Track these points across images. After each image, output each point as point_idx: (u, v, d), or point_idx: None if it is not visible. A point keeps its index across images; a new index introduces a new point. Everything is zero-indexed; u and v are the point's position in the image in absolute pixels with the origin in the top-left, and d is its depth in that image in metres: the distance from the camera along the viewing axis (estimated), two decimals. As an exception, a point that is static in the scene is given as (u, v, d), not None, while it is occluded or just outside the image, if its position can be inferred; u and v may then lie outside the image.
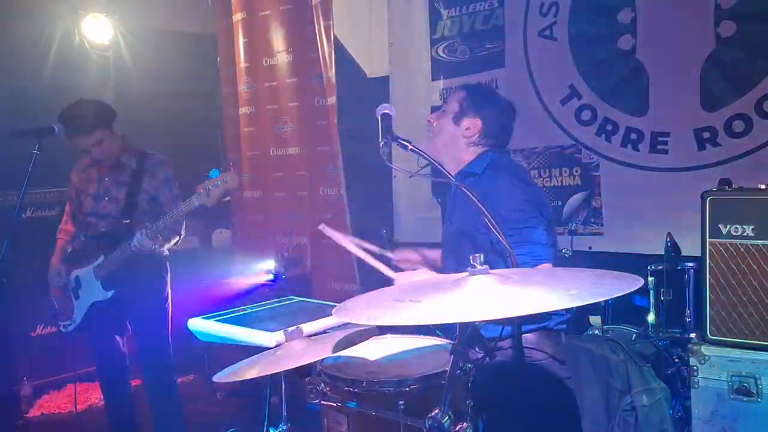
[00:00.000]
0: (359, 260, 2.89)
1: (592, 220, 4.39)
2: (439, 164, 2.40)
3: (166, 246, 3.93)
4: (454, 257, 2.82)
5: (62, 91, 5.08)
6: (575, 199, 4.45)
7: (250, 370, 2.20)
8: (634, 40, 4.12)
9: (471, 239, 2.68)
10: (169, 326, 4.02)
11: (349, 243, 2.96)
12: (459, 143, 2.81)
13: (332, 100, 5.12)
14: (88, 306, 3.86)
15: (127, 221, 3.81)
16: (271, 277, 5.02)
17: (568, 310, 2.91)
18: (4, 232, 3.37)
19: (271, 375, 2.19)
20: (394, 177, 5.36)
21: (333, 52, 5.08)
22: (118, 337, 3.98)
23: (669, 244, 3.43)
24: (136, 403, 4.14)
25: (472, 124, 2.80)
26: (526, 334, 2.63)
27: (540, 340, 2.63)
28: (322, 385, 2.20)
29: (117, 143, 3.90)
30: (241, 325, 2.84)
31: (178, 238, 3.95)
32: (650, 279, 3.36)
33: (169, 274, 4.08)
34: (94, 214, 3.93)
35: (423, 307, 1.68)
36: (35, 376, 5.17)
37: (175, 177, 4.05)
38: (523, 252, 2.46)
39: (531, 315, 2.58)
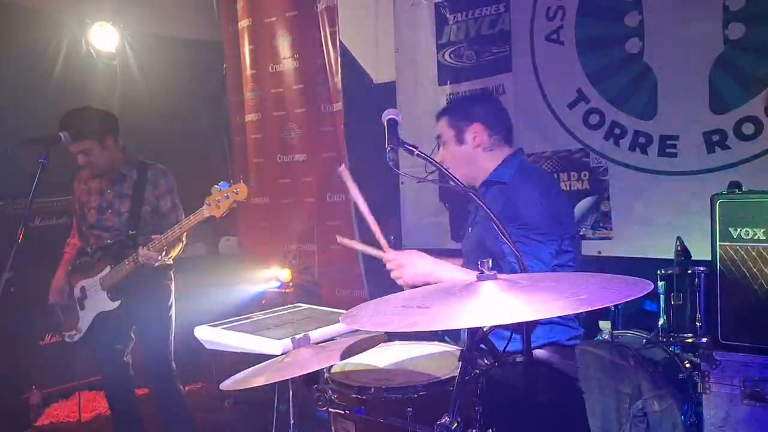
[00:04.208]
0: (367, 267, 2.89)
1: (601, 224, 4.36)
2: (446, 170, 2.39)
3: (171, 255, 3.94)
4: (474, 265, 2.82)
5: (69, 99, 5.09)
6: (584, 203, 4.42)
7: (257, 378, 2.19)
8: (642, 43, 4.09)
9: (487, 247, 2.68)
10: (172, 334, 4.03)
11: (360, 246, 3.00)
12: (477, 157, 2.80)
13: (339, 106, 5.13)
14: (94, 316, 3.88)
15: (132, 232, 3.83)
16: (278, 284, 5.02)
17: (580, 324, 2.91)
18: (12, 241, 3.37)
19: (279, 383, 2.18)
20: (402, 183, 5.35)
21: (339, 58, 5.08)
22: (121, 347, 3.99)
23: (679, 248, 3.40)
24: (142, 413, 4.14)
25: (474, 130, 2.79)
26: (537, 349, 2.63)
27: (551, 355, 2.62)
28: (330, 392, 2.19)
29: (111, 155, 3.89)
30: (248, 333, 2.83)
31: (181, 245, 3.97)
32: (660, 283, 3.33)
33: (173, 283, 4.08)
34: (99, 227, 3.95)
35: (431, 312, 1.67)
36: (44, 385, 5.17)
37: (180, 185, 4.06)
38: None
39: (542, 330, 2.59)
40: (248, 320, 3.11)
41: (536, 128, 4.59)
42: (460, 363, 1.85)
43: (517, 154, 2.91)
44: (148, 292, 3.93)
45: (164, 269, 4.01)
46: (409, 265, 2.63)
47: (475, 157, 2.82)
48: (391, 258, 2.70)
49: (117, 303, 3.81)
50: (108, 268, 3.83)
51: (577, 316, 2.92)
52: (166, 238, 3.63)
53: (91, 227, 3.98)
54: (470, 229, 2.93)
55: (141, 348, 4.03)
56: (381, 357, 2.53)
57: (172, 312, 4.05)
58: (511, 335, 2.20)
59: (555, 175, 4.52)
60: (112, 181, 3.94)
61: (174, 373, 4.01)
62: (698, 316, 3.22)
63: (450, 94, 5.07)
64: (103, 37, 5.82)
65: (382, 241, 2.79)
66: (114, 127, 3.92)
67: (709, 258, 2.79)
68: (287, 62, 5.58)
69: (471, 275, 2.56)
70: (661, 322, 3.37)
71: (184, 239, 3.95)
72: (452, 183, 2.33)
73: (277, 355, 2.51)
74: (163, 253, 3.77)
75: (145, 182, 3.93)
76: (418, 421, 2.03)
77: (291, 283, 5.04)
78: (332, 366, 2.37)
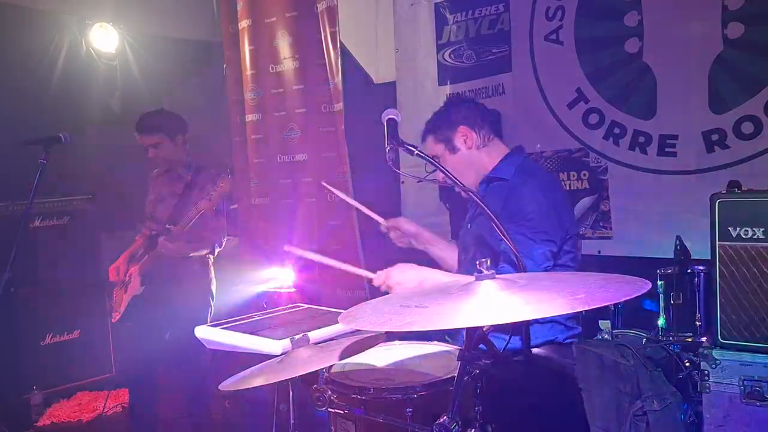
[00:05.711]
0: (368, 267, 2.90)
1: (601, 224, 4.36)
2: (445, 170, 2.39)
3: (198, 253, 4.20)
4: (470, 263, 2.82)
5: (70, 100, 5.12)
6: (583, 203, 4.42)
7: (257, 378, 2.20)
8: (641, 43, 4.09)
9: (487, 243, 2.69)
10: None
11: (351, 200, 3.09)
12: (473, 156, 2.80)
13: (339, 106, 5.12)
14: (129, 299, 4.18)
15: (169, 226, 4.07)
16: (278, 284, 5.02)
17: (577, 322, 2.91)
18: (12, 242, 3.38)
19: (279, 383, 2.18)
20: (402, 183, 5.35)
21: (339, 58, 5.07)
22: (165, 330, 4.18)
23: (678, 248, 3.40)
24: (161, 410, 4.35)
25: (462, 133, 2.80)
26: (535, 348, 2.63)
27: (548, 354, 2.63)
28: (330, 392, 2.19)
29: (177, 153, 4.24)
30: (248, 333, 2.83)
31: (214, 246, 4.27)
32: (660, 283, 3.33)
33: (210, 281, 4.35)
34: (151, 218, 4.33)
35: (429, 312, 1.67)
36: (45, 385, 5.18)
37: None
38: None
39: (540, 329, 2.60)
40: (248, 320, 3.12)
41: (536, 128, 4.59)
42: (459, 363, 1.85)
43: (517, 152, 2.91)
44: (173, 283, 4.16)
45: (197, 266, 4.28)
46: (400, 284, 2.67)
47: (471, 157, 2.83)
48: (381, 280, 2.75)
49: (142, 289, 4.15)
50: (146, 257, 4.18)
51: (576, 314, 2.93)
52: (177, 230, 3.93)
53: (146, 218, 4.37)
54: (469, 225, 2.94)
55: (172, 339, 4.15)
56: (381, 357, 2.53)
57: (208, 306, 4.30)
58: (511, 335, 2.20)
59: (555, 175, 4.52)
60: (171, 179, 4.29)
61: (204, 369, 4.15)
62: (698, 315, 3.22)
63: (450, 94, 5.07)
64: (104, 38, 5.82)
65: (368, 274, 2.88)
66: (184, 127, 4.30)
67: (709, 257, 2.79)
68: (287, 63, 5.57)
69: (458, 278, 2.60)
70: (660, 321, 3.37)
71: (219, 242, 4.29)
72: (452, 183, 2.33)
73: (277, 355, 2.52)
74: (183, 247, 4.06)
75: (196, 184, 4.22)
76: (418, 421, 2.03)
77: (291, 284, 5.04)
78: (332, 366, 2.37)
